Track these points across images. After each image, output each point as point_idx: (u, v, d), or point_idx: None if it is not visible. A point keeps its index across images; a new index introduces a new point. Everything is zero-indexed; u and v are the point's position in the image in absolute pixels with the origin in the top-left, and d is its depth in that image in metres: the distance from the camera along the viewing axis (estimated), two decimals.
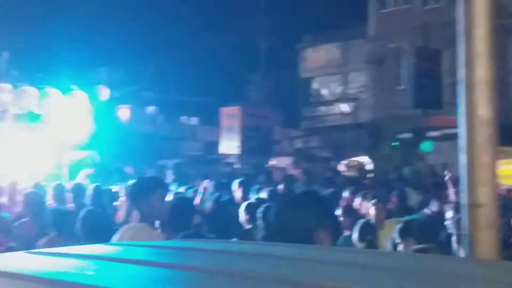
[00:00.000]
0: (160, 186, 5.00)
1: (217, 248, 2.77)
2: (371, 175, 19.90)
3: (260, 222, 6.46)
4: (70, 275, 2.11)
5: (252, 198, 8.97)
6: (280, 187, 11.33)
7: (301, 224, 3.36)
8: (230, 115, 28.42)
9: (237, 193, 9.69)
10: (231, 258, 2.45)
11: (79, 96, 16.48)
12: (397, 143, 26.96)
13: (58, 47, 23.37)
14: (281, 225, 3.51)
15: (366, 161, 25.83)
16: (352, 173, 20.17)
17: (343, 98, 31.30)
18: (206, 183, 10.40)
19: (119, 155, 22.88)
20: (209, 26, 30.20)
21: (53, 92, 15.89)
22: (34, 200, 8.37)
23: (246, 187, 9.79)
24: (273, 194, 9.10)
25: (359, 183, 14.27)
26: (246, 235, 6.77)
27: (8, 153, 15.44)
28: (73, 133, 16.17)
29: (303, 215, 3.41)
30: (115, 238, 4.54)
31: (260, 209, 6.68)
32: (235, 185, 9.93)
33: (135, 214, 4.85)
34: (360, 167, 23.03)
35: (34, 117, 16.33)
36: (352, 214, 8.00)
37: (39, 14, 25.00)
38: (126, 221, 6.12)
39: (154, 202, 4.71)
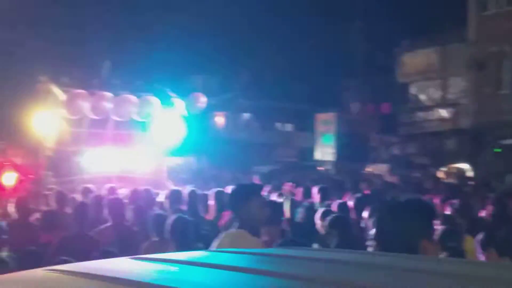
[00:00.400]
0: (258, 192, 4.95)
1: (317, 256, 2.70)
2: (472, 182, 19.25)
3: (330, 230, 6.40)
4: (171, 281, 2.09)
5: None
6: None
7: (404, 233, 3.23)
8: (326, 121, 28.24)
9: (316, 199, 9.62)
10: (332, 267, 2.38)
11: (177, 104, 16.76)
12: (500, 150, 26.01)
13: (156, 55, 23.94)
14: (383, 233, 3.39)
15: (466, 168, 25.05)
16: (451, 180, 19.59)
17: (442, 103, 30.49)
18: (289, 188, 10.37)
19: (215, 161, 23.23)
20: (304, 32, 30.14)
21: (152, 100, 16.22)
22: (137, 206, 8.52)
23: (325, 194, 9.68)
24: (359, 201, 8.87)
25: (459, 191, 13.79)
26: (321, 242, 6.65)
27: (110, 160, 15.90)
28: (171, 140, 16.48)
29: (406, 224, 3.27)
30: (214, 244, 4.53)
31: (329, 217, 6.65)
32: (314, 191, 9.88)
33: (234, 220, 4.83)
34: (460, 174, 22.36)
35: (134, 124, 16.76)
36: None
37: (138, 25, 25.71)
38: (228, 227, 6.11)
39: (254, 209, 4.67)
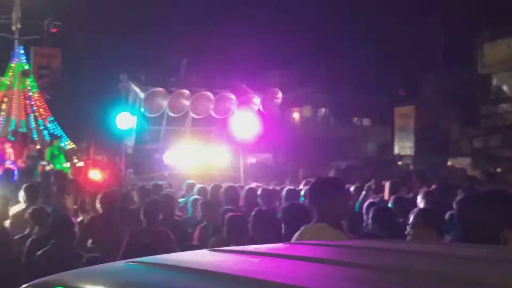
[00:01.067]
0: (341, 187, 4.91)
1: (397, 247, 2.68)
2: None
3: (371, 222, 6.41)
4: (254, 272, 2.07)
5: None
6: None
7: (486, 223, 3.20)
8: (405, 115, 27.80)
9: (386, 193, 9.48)
10: (412, 257, 2.36)
11: (254, 100, 16.83)
12: None
13: (233, 52, 24.09)
14: (465, 224, 3.38)
15: None
16: None
17: None
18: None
19: (291, 157, 23.19)
20: (382, 25, 29.69)
21: (229, 96, 16.36)
22: (209, 203, 8.61)
23: (394, 188, 9.53)
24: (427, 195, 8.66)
25: None
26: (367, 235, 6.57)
27: (188, 157, 16.13)
28: (248, 136, 16.57)
29: (489, 214, 3.22)
30: (294, 238, 4.51)
31: (371, 210, 6.63)
32: (385, 185, 9.77)
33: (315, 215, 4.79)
34: None
35: (212, 121, 16.94)
36: None
37: (215, 21, 25.94)
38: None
39: (335, 203, 4.62)
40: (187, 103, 15.82)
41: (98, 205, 8.21)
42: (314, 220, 4.70)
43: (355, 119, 33.77)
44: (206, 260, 2.43)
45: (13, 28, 24.17)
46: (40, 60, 27.24)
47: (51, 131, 24.25)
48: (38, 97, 24.88)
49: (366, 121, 33.55)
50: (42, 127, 24.39)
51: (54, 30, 25.31)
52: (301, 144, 25.65)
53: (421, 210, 6.01)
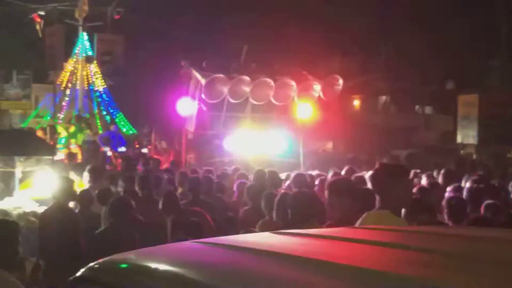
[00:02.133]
0: (405, 174, 4.87)
1: (460, 233, 2.64)
2: None
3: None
4: (316, 253, 2.06)
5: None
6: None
7: None
8: (468, 103, 27.15)
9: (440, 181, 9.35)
10: (477, 243, 2.33)
11: (313, 86, 16.73)
12: None
13: (293, 38, 24.01)
14: None
15: None
16: None
17: None
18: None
19: (351, 145, 22.99)
20: (444, 10, 29.07)
21: (289, 83, 16.31)
22: (254, 188, 8.66)
23: (448, 177, 9.33)
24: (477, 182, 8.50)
25: None
26: None
27: (247, 143, 16.19)
28: (308, 123, 16.50)
29: None
30: (357, 224, 4.50)
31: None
32: (440, 174, 9.64)
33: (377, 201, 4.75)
34: None
35: (270, 107, 16.95)
36: None
37: (275, 7, 25.88)
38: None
39: (399, 190, 4.58)
40: (247, 89, 15.85)
41: (136, 188, 8.47)
42: (377, 207, 4.67)
43: (417, 107, 33.22)
44: (270, 241, 2.44)
45: (77, 15, 24.65)
46: (103, 47, 27.77)
47: (113, 116, 24.72)
48: (101, 83, 25.36)
49: (428, 109, 32.96)
50: (104, 113, 24.88)
51: (117, 17, 25.73)
52: (361, 132, 25.40)
53: None
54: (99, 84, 25.30)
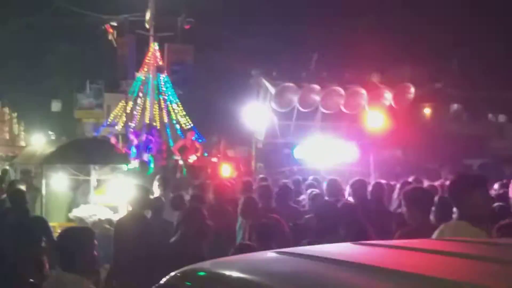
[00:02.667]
0: (483, 184, 4.72)
1: None
2: None
3: None
4: (397, 264, 2.04)
5: None
6: None
7: None
8: None
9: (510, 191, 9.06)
10: None
11: (385, 95, 16.58)
12: None
13: (364, 46, 23.85)
14: None
15: None
16: None
17: None
18: None
19: (422, 153, 22.61)
20: None
21: (359, 91, 16.21)
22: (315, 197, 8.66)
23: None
24: None
25: None
26: None
27: (317, 152, 16.14)
28: (379, 132, 16.32)
29: None
30: (434, 235, 4.41)
31: None
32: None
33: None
34: None
35: (341, 116, 16.85)
36: None
37: (345, 15, 25.78)
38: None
39: (476, 200, 4.46)
40: (317, 98, 15.85)
41: (211, 196, 8.56)
42: (455, 217, 4.58)
43: (490, 115, 32.44)
44: (351, 252, 2.41)
45: (147, 25, 25.10)
46: (173, 56, 28.16)
47: (183, 125, 25.03)
48: (171, 92, 25.75)
49: (501, 117, 32.14)
50: (174, 122, 25.22)
51: (187, 27, 26.09)
52: (432, 141, 24.96)
53: None
54: (169, 94, 25.69)
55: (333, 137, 16.45)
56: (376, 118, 16.12)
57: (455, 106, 32.42)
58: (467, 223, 4.43)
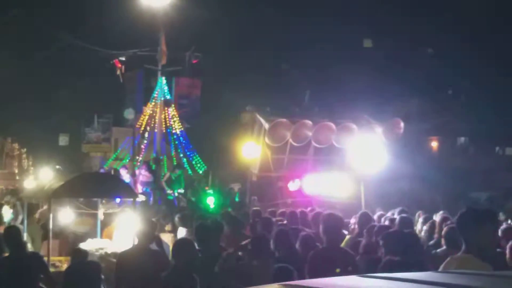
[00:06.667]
0: (492, 219, 4.74)
1: None
2: None
3: None
4: None
5: None
6: None
7: None
8: None
9: None
10: None
11: (375, 130, 16.77)
12: None
13: (355, 82, 24.09)
14: None
15: None
16: None
17: None
18: None
19: (427, 186, 22.57)
20: None
21: (350, 126, 16.43)
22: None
23: None
24: None
25: None
26: None
27: (310, 185, 16.36)
28: (370, 166, 16.19)
29: None
30: (440, 268, 4.43)
31: None
32: None
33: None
34: None
35: (334, 150, 17.03)
36: None
37: (337, 52, 26.10)
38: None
39: (483, 234, 4.48)
40: (309, 133, 16.15)
41: None
42: (462, 251, 4.59)
43: (497, 148, 32.43)
44: (360, 285, 2.45)
45: (159, 60, 25.23)
46: (181, 90, 28.36)
47: (190, 158, 25.09)
48: (178, 125, 25.85)
49: (508, 150, 32.13)
50: (181, 155, 25.28)
51: (194, 62, 26.27)
52: (438, 174, 24.92)
53: None
54: (176, 127, 25.78)
55: (326, 170, 16.70)
56: (367, 152, 15.96)
57: (461, 139, 32.46)
58: (472, 256, 4.44)
